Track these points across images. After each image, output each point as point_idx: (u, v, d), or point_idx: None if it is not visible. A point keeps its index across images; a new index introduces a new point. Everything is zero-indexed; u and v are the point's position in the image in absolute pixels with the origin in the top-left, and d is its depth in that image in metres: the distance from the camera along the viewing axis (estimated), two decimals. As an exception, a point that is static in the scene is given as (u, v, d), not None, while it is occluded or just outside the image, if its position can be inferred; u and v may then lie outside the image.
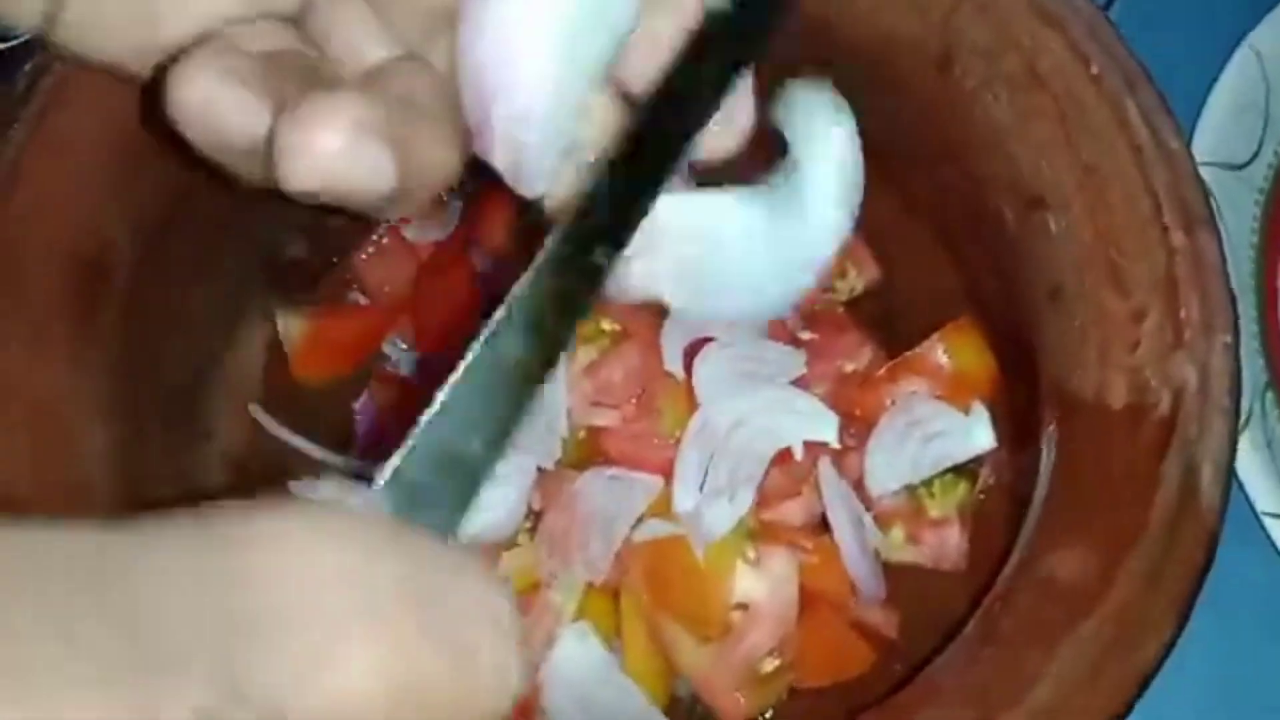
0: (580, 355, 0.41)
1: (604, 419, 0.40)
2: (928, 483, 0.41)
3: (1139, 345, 0.33)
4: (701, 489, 0.39)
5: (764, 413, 0.39)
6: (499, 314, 0.23)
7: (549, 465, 0.40)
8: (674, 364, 0.40)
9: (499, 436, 0.22)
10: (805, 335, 0.42)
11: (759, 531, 0.39)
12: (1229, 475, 0.31)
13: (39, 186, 0.34)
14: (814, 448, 0.40)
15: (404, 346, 0.45)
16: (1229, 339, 0.32)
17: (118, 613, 0.16)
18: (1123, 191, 0.34)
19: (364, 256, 0.45)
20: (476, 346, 0.22)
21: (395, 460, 0.21)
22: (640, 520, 0.39)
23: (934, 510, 0.41)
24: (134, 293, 0.37)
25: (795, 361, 0.41)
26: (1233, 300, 0.33)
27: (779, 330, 0.43)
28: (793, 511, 0.40)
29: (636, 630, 0.39)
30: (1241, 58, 0.49)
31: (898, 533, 0.41)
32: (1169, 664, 0.29)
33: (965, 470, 0.41)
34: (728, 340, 0.40)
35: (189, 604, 0.17)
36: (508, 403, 0.23)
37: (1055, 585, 0.31)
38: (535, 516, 0.40)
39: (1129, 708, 0.29)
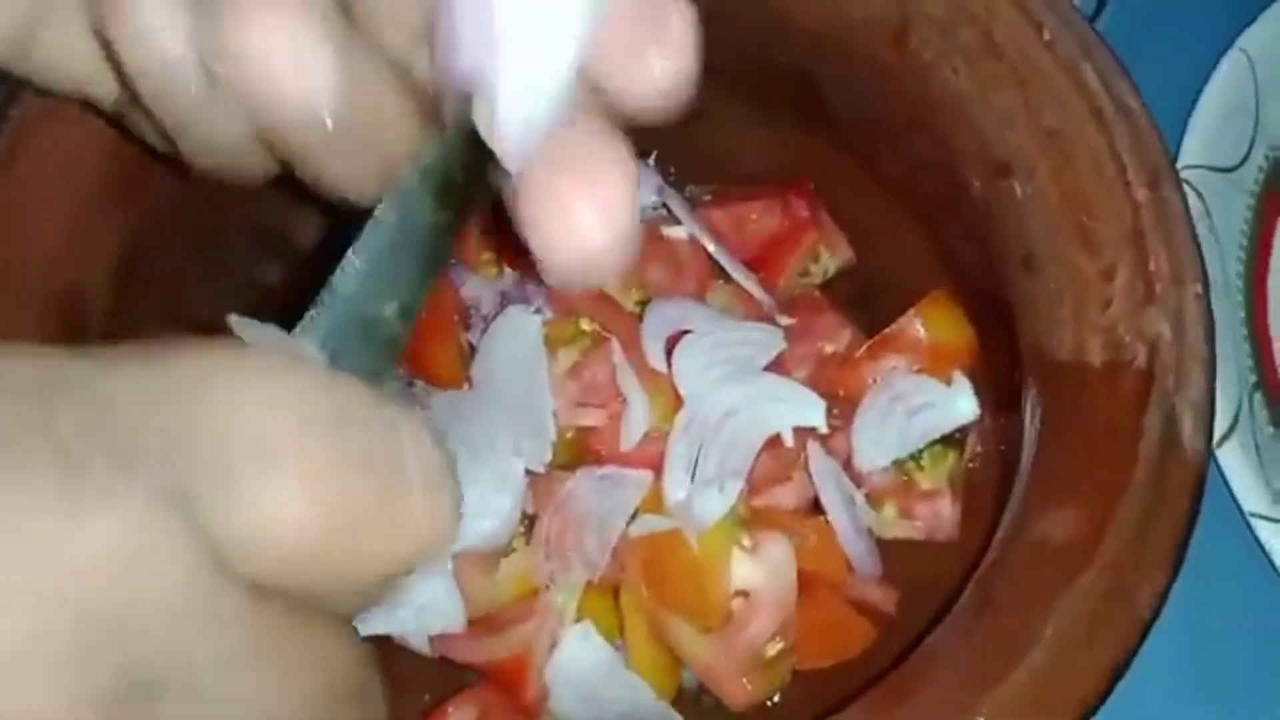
0: (562, 357, 0.41)
1: (591, 419, 0.40)
2: (916, 456, 0.41)
3: (1112, 303, 0.33)
4: (692, 480, 0.39)
5: (751, 402, 0.39)
6: (409, 175, 0.22)
7: (539, 469, 0.40)
8: (657, 359, 0.40)
9: (411, 303, 0.22)
10: (784, 320, 0.42)
11: (752, 519, 0.39)
12: (1210, 422, 0.32)
13: (11, 229, 0.34)
14: (802, 432, 0.40)
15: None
16: (1199, 289, 0.33)
17: (79, 415, 0.17)
18: (1086, 153, 0.35)
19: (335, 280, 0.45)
20: (386, 207, 0.22)
21: (313, 318, 0.21)
22: (634, 516, 0.39)
23: (924, 482, 0.41)
24: (109, 342, 0.37)
25: (774, 339, 0.41)
26: (1199, 251, 0.34)
27: (755, 314, 0.43)
28: (784, 496, 0.40)
29: (638, 625, 0.39)
30: (1232, 60, 0.49)
31: (890, 509, 0.41)
32: (1155, 662, 0.30)
33: (952, 440, 0.42)
34: (705, 329, 0.41)
35: (142, 417, 0.17)
36: (419, 268, 0.22)
37: (1047, 547, 0.31)
38: (529, 521, 0.40)
39: (1128, 661, 0.29)
